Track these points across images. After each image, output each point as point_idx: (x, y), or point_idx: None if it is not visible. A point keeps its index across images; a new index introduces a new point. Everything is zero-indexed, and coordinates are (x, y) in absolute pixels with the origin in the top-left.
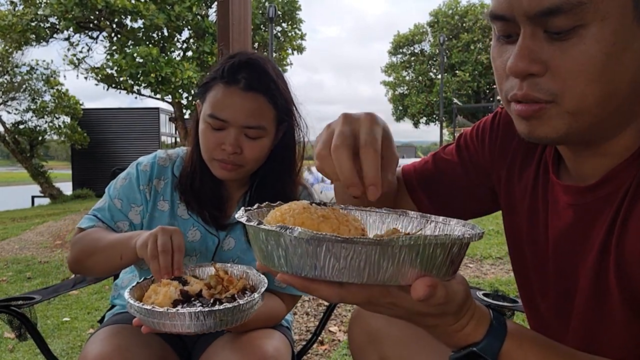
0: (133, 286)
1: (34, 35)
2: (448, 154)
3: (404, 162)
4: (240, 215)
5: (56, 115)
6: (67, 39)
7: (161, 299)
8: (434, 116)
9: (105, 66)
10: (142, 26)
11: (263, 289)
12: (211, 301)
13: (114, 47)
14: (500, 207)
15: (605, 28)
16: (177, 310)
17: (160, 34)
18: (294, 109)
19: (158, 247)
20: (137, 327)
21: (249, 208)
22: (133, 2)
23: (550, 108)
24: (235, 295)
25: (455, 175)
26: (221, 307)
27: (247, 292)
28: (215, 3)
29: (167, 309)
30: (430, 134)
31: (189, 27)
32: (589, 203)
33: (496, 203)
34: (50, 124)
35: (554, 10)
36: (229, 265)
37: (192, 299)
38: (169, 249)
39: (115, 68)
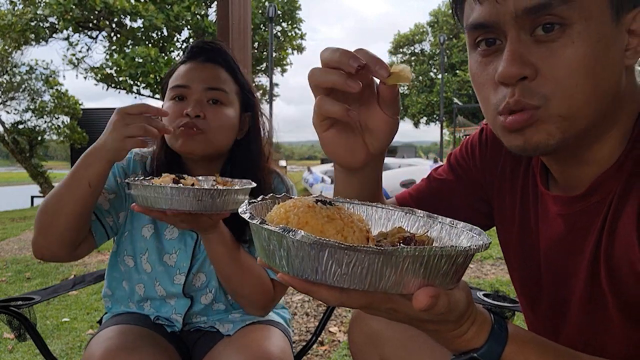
0: (135, 178)
1: (33, 35)
2: (442, 174)
3: (404, 162)
4: (243, 210)
5: (55, 115)
6: (67, 38)
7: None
8: (435, 116)
9: (104, 66)
10: (141, 26)
11: (248, 186)
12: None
13: (113, 47)
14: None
15: (590, 27)
16: (161, 184)
17: (159, 33)
18: (257, 101)
19: (143, 122)
20: (139, 327)
21: (253, 201)
22: (132, 2)
23: (540, 113)
24: (218, 186)
25: (453, 194)
26: (201, 187)
27: None
28: (215, 3)
29: (152, 183)
30: (430, 133)
31: (189, 27)
32: (578, 212)
33: (491, 218)
34: (50, 124)
35: (544, 5)
36: (230, 179)
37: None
38: (146, 119)
39: (115, 68)
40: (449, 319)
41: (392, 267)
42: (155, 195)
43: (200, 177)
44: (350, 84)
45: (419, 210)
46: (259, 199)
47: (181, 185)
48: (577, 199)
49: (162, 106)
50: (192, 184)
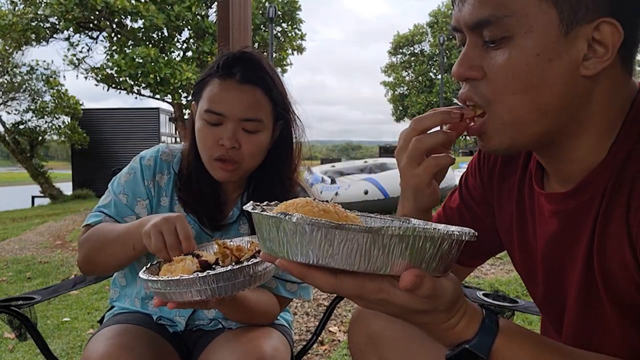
0: (146, 268)
1: (34, 35)
2: (454, 201)
3: None
4: (248, 206)
5: (56, 115)
6: (67, 39)
7: (180, 273)
8: None
9: (105, 66)
10: (142, 26)
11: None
12: (233, 264)
13: (113, 48)
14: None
15: (529, 40)
16: (208, 272)
17: (160, 34)
18: (290, 106)
19: (166, 242)
20: (139, 327)
21: (258, 204)
22: (133, 2)
23: (488, 122)
24: (255, 254)
25: (464, 222)
26: (249, 262)
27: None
28: (215, 3)
29: (197, 274)
30: None
31: (189, 27)
32: (571, 210)
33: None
34: (50, 124)
35: (484, 22)
36: (229, 240)
37: (213, 266)
38: (175, 244)
39: (115, 68)
40: (438, 308)
41: (379, 247)
42: (201, 287)
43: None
44: (459, 130)
45: (414, 219)
46: (264, 203)
47: (231, 267)
48: (568, 195)
49: (195, 121)
50: (216, 260)
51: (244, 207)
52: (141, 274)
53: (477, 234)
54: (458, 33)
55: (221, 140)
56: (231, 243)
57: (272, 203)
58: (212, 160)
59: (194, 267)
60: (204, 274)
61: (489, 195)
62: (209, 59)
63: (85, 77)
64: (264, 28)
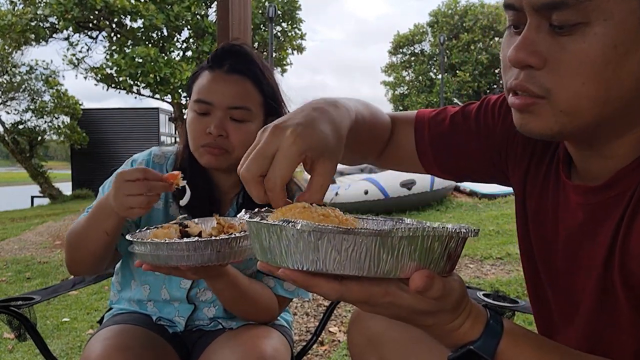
0: (134, 233)
1: (33, 35)
2: (467, 117)
3: None
4: (242, 215)
5: (55, 115)
6: (67, 38)
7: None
8: None
9: (104, 66)
10: (141, 26)
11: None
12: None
13: (113, 47)
14: (499, 181)
15: (607, 29)
16: (175, 240)
17: (159, 33)
18: (283, 104)
19: (140, 192)
20: (138, 327)
21: (250, 211)
22: (132, 2)
23: (544, 104)
24: (234, 233)
25: (467, 141)
26: (218, 237)
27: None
28: (215, 3)
29: (166, 240)
30: None
31: (189, 27)
32: (598, 203)
33: (498, 179)
34: (50, 124)
35: (558, 4)
36: (230, 218)
37: (192, 237)
38: (144, 185)
39: (115, 68)
40: (445, 308)
41: (388, 250)
42: (169, 252)
43: (196, 220)
44: None
45: (408, 220)
46: (254, 210)
47: (198, 238)
48: (597, 190)
49: (186, 113)
50: (200, 233)
51: (238, 216)
52: (128, 236)
53: (479, 229)
54: (512, 11)
55: (208, 128)
56: (231, 220)
57: (263, 210)
58: (199, 148)
59: (175, 236)
60: (172, 240)
61: (509, 157)
62: None
63: (85, 77)
64: (263, 27)
